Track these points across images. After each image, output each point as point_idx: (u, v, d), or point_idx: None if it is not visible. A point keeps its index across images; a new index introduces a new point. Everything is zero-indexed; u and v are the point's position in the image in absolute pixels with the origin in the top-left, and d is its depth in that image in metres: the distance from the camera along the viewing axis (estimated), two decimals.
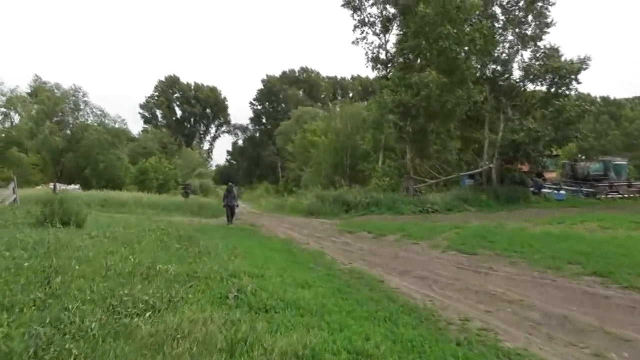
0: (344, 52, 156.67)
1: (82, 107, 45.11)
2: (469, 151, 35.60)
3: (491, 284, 8.27)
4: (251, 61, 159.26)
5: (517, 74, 32.26)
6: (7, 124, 46.16)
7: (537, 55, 31.25)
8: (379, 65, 36.78)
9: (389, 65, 36.14)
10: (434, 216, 24.32)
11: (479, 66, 31.19)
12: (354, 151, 44.16)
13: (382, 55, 36.48)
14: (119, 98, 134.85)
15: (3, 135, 45.96)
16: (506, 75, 32.23)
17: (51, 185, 28.92)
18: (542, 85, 31.27)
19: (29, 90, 46.23)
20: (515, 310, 6.66)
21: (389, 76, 35.27)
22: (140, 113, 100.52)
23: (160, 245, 10.08)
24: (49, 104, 44.16)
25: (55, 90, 45.47)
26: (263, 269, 7.79)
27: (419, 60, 32.20)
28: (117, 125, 48.08)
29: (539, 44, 31.59)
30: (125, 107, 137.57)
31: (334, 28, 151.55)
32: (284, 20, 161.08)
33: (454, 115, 29.51)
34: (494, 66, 32.34)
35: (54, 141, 43.28)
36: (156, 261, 7.76)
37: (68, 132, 44.28)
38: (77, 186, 32.55)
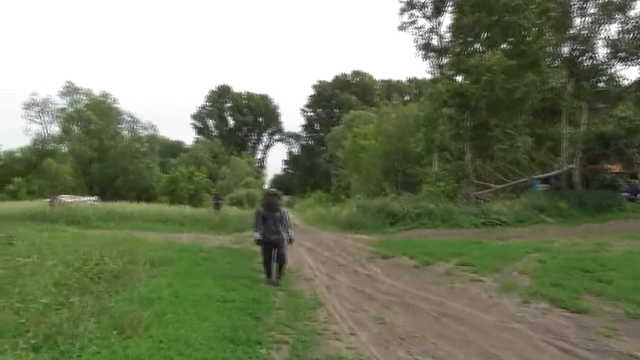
0: (399, 53, 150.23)
1: (111, 114, 42.59)
2: (542, 150, 29.66)
3: None
4: (302, 67, 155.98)
5: (602, 52, 26.26)
6: (42, 135, 44.48)
7: (628, 27, 25.09)
8: (430, 54, 31.85)
9: (443, 53, 31.13)
10: (502, 231, 19.06)
11: (552, 44, 25.48)
12: (406, 155, 39.37)
13: (435, 42, 31.55)
14: (172, 109, 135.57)
15: (39, 147, 44.38)
16: (588, 55, 26.25)
17: (60, 197, 25.64)
18: (636, 64, 25.07)
19: (62, 99, 44.12)
20: None
21: (442, 64, 30.35)
22: (192, 123, 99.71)
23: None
24: (78, 110, 42.12)
25: (84, 97, 43.22)
26: None
27: (478, 45, 27.08)
28: (147, 133, 45.28)
29: (628, 13, 25.42)
30: (177, 118, 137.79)
31: (388, 29, 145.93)
32: (335, 24, 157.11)
33: (523, 105, 24.06)
34: (572, 45, 26.45)
35: (81, 150, 40.94)
36: None
37: (96, 140, 41.78)
38: (95, 198, 29.39)
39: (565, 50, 26.52)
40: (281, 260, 9.64)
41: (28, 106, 43.00)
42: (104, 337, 4.65)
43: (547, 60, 24.71)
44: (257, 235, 9.63)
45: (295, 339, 5.53)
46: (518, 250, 12.66)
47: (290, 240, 9.84)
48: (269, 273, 9.61)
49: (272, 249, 9.57)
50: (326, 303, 7.76)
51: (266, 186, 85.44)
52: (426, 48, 30.98)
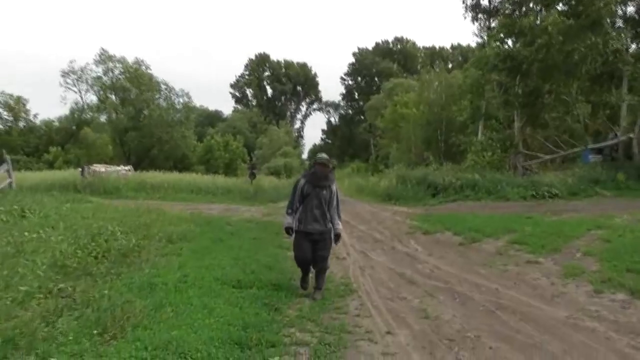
0: (443, 18, 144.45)
1: (146, 82, 42.23)
2: (598, 118, 27.51)
3: None
4: (342, 34, 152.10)
5: None
6: (80, 103, 44.65)
7: None
8: (479, 15, 29.81)
9: (493, 14, 29.08)
10: (554, 204, 17.52)
11: (616, 2, 23.17)
12: (449, 124, 37.71)
13: (485, 1, 29.48)
14: (212, 79, 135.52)
15: (77, 116, 44.66)
16: None
17: (92, 167, 25.41)
18: None
19: (97, 67, 44.04)
20: None
21: (492, 26, 28.36)
22: (230, 93, 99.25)
23: None
24: (112, 78, 42.14)
25: (118, 65, 43.02)
26: None
27: (531, 4, 25.04)
28: (182, 100, 44.93)
29: None
30: (217, 88, 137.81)
31: None
32: None
33: (581, 69, 22.08)
34: (638, 3, 24.07)
35: (118, 119, 40.96)
36: None
37: (131, 109, 41.56)
38: (128, 167, 29.14)
39: (631, 9, 24.21)
40: (321, 265, 6.53)
41: (66, 74, 43.17)
42: (77, 340, 3.76)
43: (609, 20, 22.55)
44: (289, 220, 6.53)
45: (318, 340, 4.53)
46: (577, 226, 11.31)
47: (337, 237, 6.66)
48: (304, 279, 6.63)
49: (311, 244, 6.43)
50: (359, 289, 6.75)
51: (304, 156, 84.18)
52: (475, 9, 28.96)
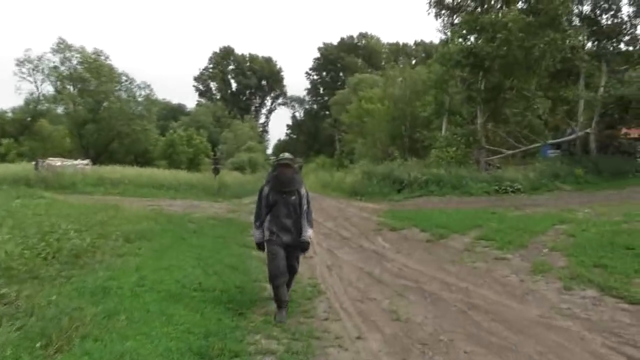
0: (407, 15, 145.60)
1: (103, 72, 40.84)
2: (557, 114, 28.10)
3: None
4: (307, 28, 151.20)
5: (625, 10, 24.49)
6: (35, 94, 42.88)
7: None
8: (443, 11, 30.02)
9: (456, 11, 29.31)
10: (517, 199, 17.79)
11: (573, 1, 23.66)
12: (414, 119, 37.92)
13: None
14: (175, 71, 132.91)
15: (32, 107, 42.96)
16: (611, 13, 24.48)
17: (54, 159, 24.39)
18: None
19: (54, 57, 42.26)
20: None
21: (455, 23, 28.61)
22: (194, 86, 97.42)
23: None
24: (70, 68, 40.70)
25: (76, 55, 41.43)
26: None
27: (493, 2, 25.43)
28: (143, 93, 43.75)
29: None
30: (180, 82, 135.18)
31: None
32: None
33: (540, 65, 22.49)
34: (593, 2, 24.64)
35: (76, 111, 39.54)
36: None
37: (90, 100, 40.13)
38: (86, 161, 28.16)
39: (586, 8, 24.76)
40: (291, 274, 5.80)
41: (21, 63, 41.18)
42: (16, 354, 3.37)
43: (566, 17, 23.04)
44: (257, 234, 5.75)
45: (285, 348, 4.26)
46: (541, 221, 11.39)
47: (305, 245, 5.77)
48: (279, 301, 5.38)
49: (284, 255, 5.56)
50: (327, 290, 6.53)
51: (269, 151, 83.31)
52: (439, 5, 29.09)
